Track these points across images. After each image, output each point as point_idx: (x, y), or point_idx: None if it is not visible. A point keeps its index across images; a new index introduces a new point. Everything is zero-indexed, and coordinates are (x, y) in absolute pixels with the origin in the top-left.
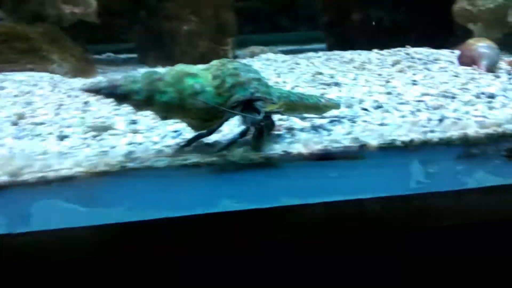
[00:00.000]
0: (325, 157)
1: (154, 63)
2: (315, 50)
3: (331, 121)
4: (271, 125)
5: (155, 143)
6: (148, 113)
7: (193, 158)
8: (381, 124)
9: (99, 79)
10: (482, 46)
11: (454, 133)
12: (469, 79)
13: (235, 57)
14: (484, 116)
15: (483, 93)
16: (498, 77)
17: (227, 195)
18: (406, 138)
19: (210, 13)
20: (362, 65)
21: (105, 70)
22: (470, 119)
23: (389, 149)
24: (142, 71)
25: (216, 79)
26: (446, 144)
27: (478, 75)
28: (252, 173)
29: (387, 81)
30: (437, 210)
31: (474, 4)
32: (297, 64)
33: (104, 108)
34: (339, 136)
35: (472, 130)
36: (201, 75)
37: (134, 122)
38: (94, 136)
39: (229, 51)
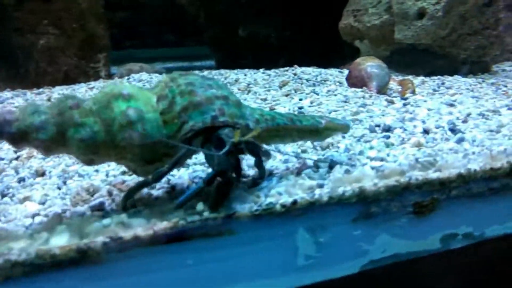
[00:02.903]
0: (177, 237)
1: (3, 85)
2: (203, 68)
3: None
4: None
5: None
6: None
7: None
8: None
9: None
10: (371, 65)
11: (348, 188)
12: (360, 106)
13: (110, 75)
14: (382, 159)
15: (377, 125)
16: (391, 102)
17: None
18: (287, 200)
19: (75, 25)
20: (247, 87)
21: None
22: (367, 164)
23: (267, 216)
24: None
25: (162, 101)
26: (338, 203)
27: (369, 99)
28: (56, 276)
29: (271, 109)
30: None
31: (360, 21)
32: None
33: None
34: (194, 202)
35: (370, 182)
36: (138, 96)
37: None
38: None
39: (101, 69)
